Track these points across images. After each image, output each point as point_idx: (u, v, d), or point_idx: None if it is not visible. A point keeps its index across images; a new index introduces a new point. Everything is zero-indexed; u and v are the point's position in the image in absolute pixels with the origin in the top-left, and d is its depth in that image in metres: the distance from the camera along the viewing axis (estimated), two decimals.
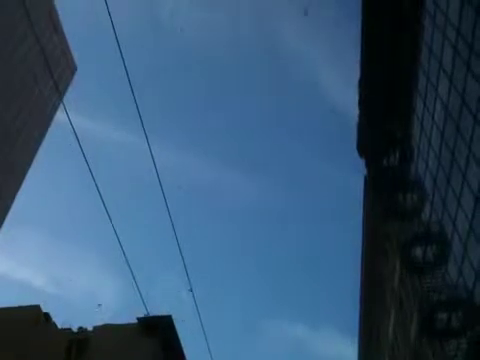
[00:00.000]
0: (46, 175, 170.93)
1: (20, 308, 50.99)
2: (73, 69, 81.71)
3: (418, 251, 21.76)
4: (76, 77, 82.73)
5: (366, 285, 37.68)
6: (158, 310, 45.08)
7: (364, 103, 23.53)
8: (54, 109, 75.92)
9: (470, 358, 16.73)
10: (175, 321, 48.88)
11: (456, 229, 18.25)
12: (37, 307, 54.72)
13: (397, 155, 23.85)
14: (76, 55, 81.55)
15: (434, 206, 20.42)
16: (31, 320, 51.55)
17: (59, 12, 75.59)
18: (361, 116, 24.31)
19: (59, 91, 67.14)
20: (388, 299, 33.36)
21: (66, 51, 78.78)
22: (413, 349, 27.24)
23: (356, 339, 44.08)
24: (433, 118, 19.86)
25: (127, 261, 14.69)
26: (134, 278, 15.28)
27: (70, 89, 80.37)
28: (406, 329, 28.48)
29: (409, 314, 27.34)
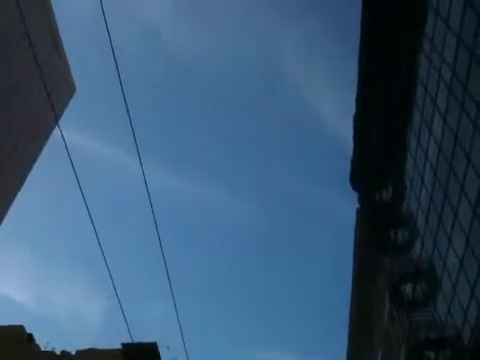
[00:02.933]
0: (36, 192, 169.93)
1: (3, 327, 50.02)
2: (72, 89, 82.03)
3: (408, 288, 21.70)
4: (77, 95, 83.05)
5: (355, 318, 37.34)
6: (143, 335, 44.42)
7: (358, 138, 23.73)
8: (50, 129, 75.87)
9: None
10: (160, 348, 48.16)
11: (446, 267, 18.25)
12: (21, 327, 53.79)
13: (390, 190, 23.97)
14: (76, 73, 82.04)
15: (425, 243, 20.44)
16: (14, 340, 50.58)
17: (60, 31, 76.23)
18: (355, 150, 24.48)
19: (55, 111, 67.18)
20: (376, 334, 33.07)
21: (66, 70, 79.17)
22: None
23: None
24: (426, 156, 20.04)
25: (113, 283, 14.47)
26: (119, 302, 15.04)
27: (70, 107, 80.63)
28: None
29: (397, 350, 27.08)
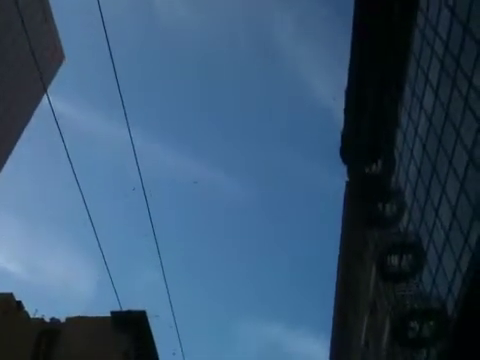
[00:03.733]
0: (26, 162, 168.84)
1: None
2: (61, 58, 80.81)
3: (394, 260, 22.11)
4: (68, 66, 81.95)
5: (341, 288, 38.07)
6: (133, 304, 44.94)
7: (349, 111, 23.81)
8: (38, 97, 74.92)
9: None
10: (149, 317, 48.79)
11: (432, 240, 18.61)
12: (9, 295, 54.04)
13: (379, 164, 24.19)
14: (67, 44, 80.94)
15: (412, 216, 20.78)
16: (2, 308, 50.89)
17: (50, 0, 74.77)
18: (346, 123, 24.59)
19: (43, 80, 66.22)
20: (362, 305, 33.77)
21: (55, 39, 77.87)
22: (384, 356, 27.65)
23: (329, 339, 44.57)
24: (417, 131, 20.21)
25: (102, 252, 14.60)
26: (109, 271, 15.23)
27: (61, 78, 79.63)
28: (378, 336, 28.88)
29: (382, 321, 27.72)
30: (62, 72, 79.45)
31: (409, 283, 21.39)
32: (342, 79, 23.95)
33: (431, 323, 19.08)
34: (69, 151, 11.86)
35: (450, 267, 16.84)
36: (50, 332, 50.11)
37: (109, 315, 48.13)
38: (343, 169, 26.82)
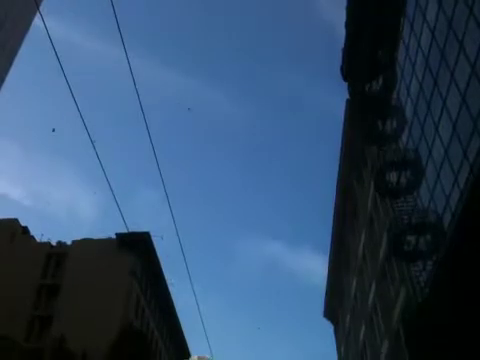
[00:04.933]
0: (24, 87, 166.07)
1: None
2: None
3: (393, 176, 22.26)
4: None
5: (340, 206, 38.75)
6: (137, 227, 46.04)
7: (351, 26, 23.04)
8: (31, 17, 72.44)
9: (433, 278, 17.67)
10: (153, 238, 50.12)
11: (431, 156, 18.62)
12: (15, 220, 55.19)
13: (380, 80, 23.73)
14: None
15: (412, 132, 20.67)
16: (8, 233, 52.18)
17: None
18: (347, 39, 23.88)
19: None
20: (360, 220, 34.48)
21: None
22: (381, 269, 28.59)
23: (328, 258, 46.04)
24: (419, 44, 19.61)
25: (105, 174, 14.68)
26: (113, 192, 15.37)
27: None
28: (375, 250, 29.72)
29: (379, 235, 28.41)
30: None
31: (407, 199, 21.67)
32: None
33: (427, 237, 19.53)
34: (67, 71, 11.57)
35: (448, 182, 16.96)
36: (57, 255, 51.78)
37: (114, 237, 49.50)
38: (344, 87, 26.42)
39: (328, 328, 54.56)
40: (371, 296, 31.93)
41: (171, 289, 56.45)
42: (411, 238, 20.54)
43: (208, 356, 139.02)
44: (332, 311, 50.78)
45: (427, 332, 17.54)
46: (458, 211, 15.50)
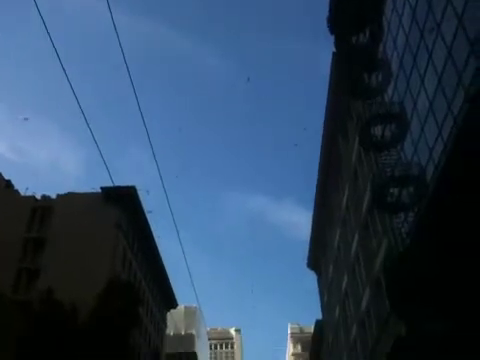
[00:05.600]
0: (5, 44, 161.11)
1: None
2: None
3: (377, 130, 22.43)
4: None
5: (325, 160, 39.12)
6: (123, 183, 46.00)
7: None
8: None
9: (415, 229, 18.16)
10: (139, 192, 50.20)
11: (416, 109, 18.75)
12: None
13: (367, 33, 23.52)
14: None
15: (398, 86, 20.70)
16: None
17: None
18: None
19: None
20: (344, 174, 34.92)
21: None
22: (364, 220, 29.23)
23: (312, 211, 46.79)
24: None
25: (90, 128, 14.64)
26: (97, 145, 15.35)
27: None
28: (358, 202, 30.28)
29: (362, 189, 28.89)
30: None
31: (391, 152, 21.92)
32: None
33: (410, 189, 19.91)
34: (51, 32, 11.29)
35: (432, 135, 17.18)
36: (42, 208, 51.74)
37: (99, 191, 49.46)
38: (331, 42, 26.09)
39: (312, 279, 56.14)
40: (354, 247, 32.76)
41: (158, 243, 57.20)
42: (394, 190, 20.93)
43: (195, 305, 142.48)
44: (316, 262, 52.07)
45: (408, 281, 18.17)
46: (441, 163, 15.79)
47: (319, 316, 53.81)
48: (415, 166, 19.21)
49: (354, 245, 32.69)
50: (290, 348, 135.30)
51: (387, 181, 20.62)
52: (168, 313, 71.65)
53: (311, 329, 65.28)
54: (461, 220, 14.89)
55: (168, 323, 74.18)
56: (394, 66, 21.13)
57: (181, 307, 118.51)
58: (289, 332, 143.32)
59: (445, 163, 15.11)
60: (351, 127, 31.47)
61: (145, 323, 53.25)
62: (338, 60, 28.57)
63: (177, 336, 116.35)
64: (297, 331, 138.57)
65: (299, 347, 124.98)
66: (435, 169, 16.50)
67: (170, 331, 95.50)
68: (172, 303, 70.20)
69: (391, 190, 21.11)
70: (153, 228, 54.61)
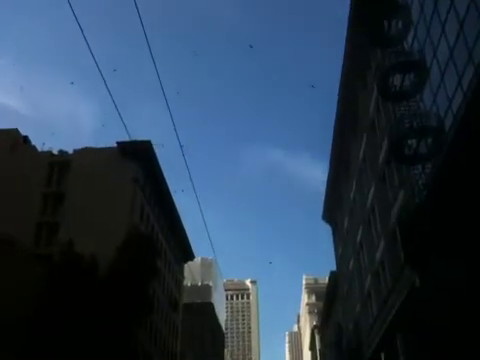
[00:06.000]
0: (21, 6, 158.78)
1: None
2: None
3: (397, 79, 21.92)
4: None
5: (342, 111, 38.52)
6: (138, 136, 46.05)
7: None
8: None
9: (432, 181, 18.00)
10: (155, 146, 50.35)
11: (436, 58, 18.23)
12: (15, 130, 55.14)
13: None
14: None
15: (418, 33, 20.08)
16: (9, 143, 52.31)
17: None
18: None
19: None
20: (362, 125, 34.45)
21: None
22: (380, 172, 29.03)
23: (328, 164, 46.58)
24: None
25: (105, 83, 14.54)
26: (113, 100, 15.28)
27: None
28: (375, 155, 29.99)
29: (380, 140, 28.53)
30: None
31: (409, 102, 21.50)
32: None
33: (428, 140, 19.61)
34: None
35: (452, 84, 16.75)
36: (60, 163, 52.28)
37: (115, 146, 49.72)
38: None
39: (327, 231, 56.52)
40: (370, 199, 32.70)
41: (175, 198, 57.70)
42: (412, 142, 20.64)
43: (211, 257, 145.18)
44: (331, 214, 52.24)
45: (423, 233, 18.17)
46: (460, 113, 15.44)
47: (334, 268, 54.49)
48: (434, 117, 18.85)
49: (370, 197, 32.62)
50: (305, 298, 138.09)
51: (405, 132, 20.30)
52: (185, 265, 73.14)
53: (325, 280, 66.34)
54: (477, 173, 14.67)
55: (185, 275, 75.83)
56: (414, 12, 20.44)
57: (198, 259, 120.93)
58: (304, 283, 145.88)
59: (464, 113, 14.76)
60: (370, 77, 30.79)
61: (163, 274, 54.49)
62: (357, 6, 27.69)
63: (194, 287, 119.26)
64: (312, 282, 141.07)
65: (313, 297, 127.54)
66: (454, 119, 16.16)
67: (187, 282, 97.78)
68: (189, 255, 71.51)
69: (409, 141, 20.83)
70: (171, 183, 55.02)
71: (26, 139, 55.92)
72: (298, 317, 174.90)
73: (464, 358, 16.06)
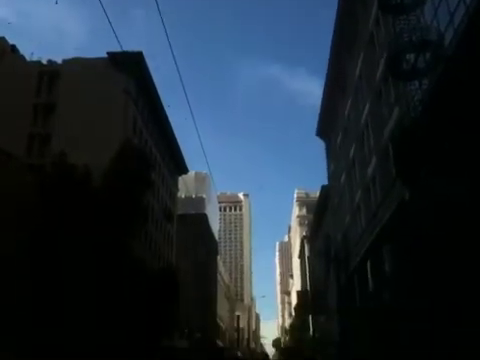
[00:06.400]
0: None
1: None
2: None
3: None
4: None
5: (341, 24, 37.25)
6: (129, 48, 44.56)
7: None
8: None
9: (428, 96, 17.82)
10: (146, 58, 48.92)
11: None
12: (2, 39, 53.17)
13: None
14: None
15: None
16: None
17: None
18: None
19: None
20: (360, 40, 33.52)
21: None
22: (377, 89, 28.66)
23: (324, 80, 45.79)
24: None
25: None
26: (103, 7, 14.59)
27: None
28: (373, 70, 29.45)
29: (378, 56, 27.90)
30: None
31: (410, 16, 20.76)
32: None
33: (427, 55, 19.16)
34: None
35: None
36: (49, 73, 50.97)
37: (105, 56, 48.22)
38: None
39: (321, 147, 56.72)
40: (364, 115, 32.56)
41: (168, 112, 56.96)
42: (410, 56, 20.18)
43: (205, 171, 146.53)
44: (325, 130, 52.20)
45: (416, 148, 18.27)
46: (461, 27, 14.98)
47: (326, 183, 55.36)
48: (434, 31, 18.30)
49: (365, 113, 32.46)
50: (296, 211, 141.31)
51: (404, 46, 19.79)
52: (180, 178, 73.89)
53: (317, 195, 67.56)
54: (477, 88, 14.47)
55: (180, 187, 76.82)
56: None
57: (192, 172, 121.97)
58: (295, 196, 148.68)
59: (465, 28, 14.32)
60: None
61: (157, 186, 55.12)
62: None
63: (188, 199, 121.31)
64: (303, 196, 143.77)
65: (304, 210, 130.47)
66: (455, 33, 15.71)
67: (181, 194, 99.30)
68: (183, 169, 72.05)
69: (407, 56, 20.36)
70: (164, 98, 54.12)
71: (14, 48, 54.12)
72: (289, 228, 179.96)
73: (445, 264, 16.72)
